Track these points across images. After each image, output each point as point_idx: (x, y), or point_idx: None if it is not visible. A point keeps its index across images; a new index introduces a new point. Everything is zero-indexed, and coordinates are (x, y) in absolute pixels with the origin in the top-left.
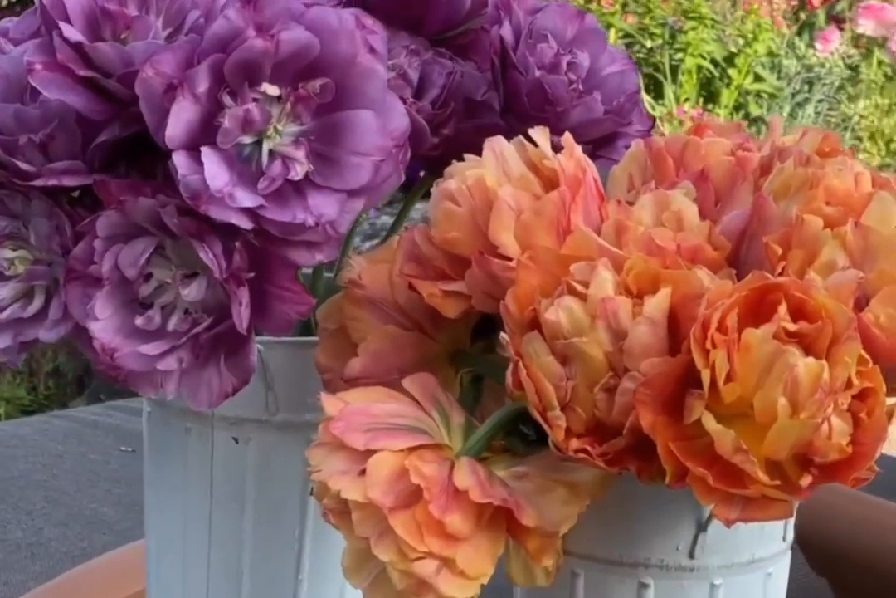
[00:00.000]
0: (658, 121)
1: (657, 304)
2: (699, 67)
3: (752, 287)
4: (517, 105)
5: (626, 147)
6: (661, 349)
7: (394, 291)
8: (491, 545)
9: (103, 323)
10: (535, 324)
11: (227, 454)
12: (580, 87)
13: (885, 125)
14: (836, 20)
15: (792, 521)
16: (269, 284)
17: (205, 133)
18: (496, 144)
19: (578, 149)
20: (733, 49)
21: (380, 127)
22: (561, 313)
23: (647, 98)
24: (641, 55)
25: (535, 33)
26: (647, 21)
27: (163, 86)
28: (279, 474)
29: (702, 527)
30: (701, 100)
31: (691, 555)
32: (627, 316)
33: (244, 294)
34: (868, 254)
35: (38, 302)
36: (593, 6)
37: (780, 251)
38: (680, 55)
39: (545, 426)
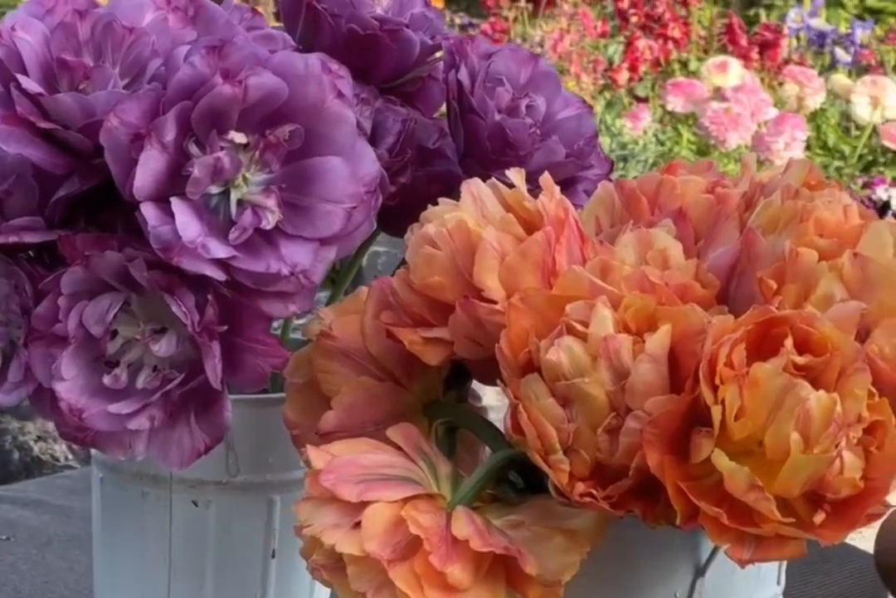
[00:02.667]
0: None
1: (659, 341)
2: None
3: (757, 321)
4: (477, 150)
5: (586, 191)
6: (663, 387)
7: (366, 341)
8: (491, 596)
9: (69, 383)
10: (530, 366)
11: (186, 518)
12: (538, 130)
13: None
14: (639, 99)
15: (785, 564)
16: (241, 338)
17: (172, 183)
18: (474, 187)
19: (557, 189)
20: None
21: (350, 173)
22: (562, 353)
23: None
24: None
25: (490, 77)
26: None
27: (129, 136)
28: (240, 536)
29: (700, 572)
30: None
31: None
32: (629, 354)
33: (217, 348)
34: (866, 285)
35: None
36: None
37: (774, 286)
38: None
39: (548, 471)
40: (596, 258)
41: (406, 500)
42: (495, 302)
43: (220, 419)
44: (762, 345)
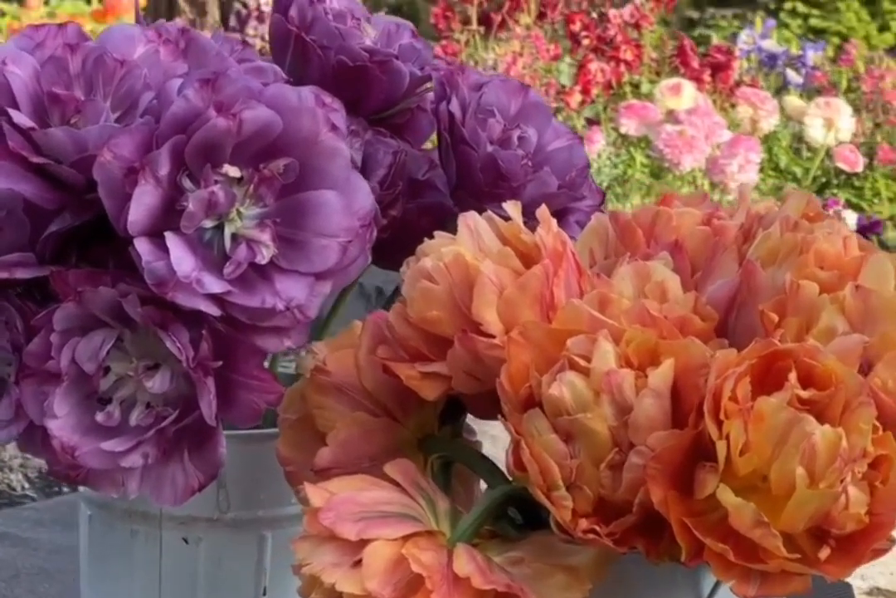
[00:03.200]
0: None
1: (662, 376)
2: None
3: (760, 354)
4: (470, 181)
5: (578, 222)
6: (665, 422)
7: (361, 376)
8: None
9: (62, 421)
10: (531, 401)
11: (176, 556)
12: (530, 162)
13: None
14: (592, 122)
15: None
16: (235, 373)
17: (166, 218)
18: (471, 220)
19: (554, 222)
20: None
21: (345, 207)
22: (564, 388)
23: None
24: None
25: (481, 108)
26: None
27: (122, 170)
28: (231, 573)
29: None
30: None
31: None
32: (631, 389)
33: (212, 384)
34: (868, 317)
35: None
36: None
37: (776, 319)
38: None
39: (550, 507)
40: (594, 291)
41: (406, 538)
42: (493, 336)
43: (214, 456)
44: (766, 379)
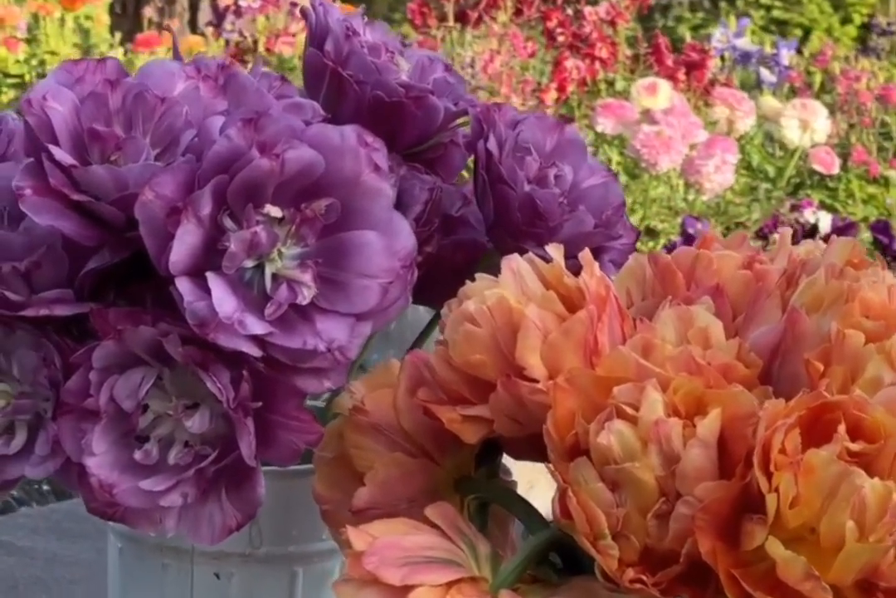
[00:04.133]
0: None
1: (710, 426)
2: None
3: (809, 406)
4: (507, 220)
5: (612, 261)
6: (713, 473)
7: (399, 416)
8: None
9: (100, 458)
10: (577, 449)
11: (207, 591)
12: (566, 200)
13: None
14: (566, 119)
15: None
16: (275, 413)
17: (207, 258)
18: (514, 263)
19: (597, 265)
20: None
21: (386, 247)
22: (612, 437)
23: None
24: None
25: (518, 146)
26: None
27: (164, 209)
28: None
29: None
30: None
31: None
32: (679, 439)
33: (252, 424)
34: None
35: (20, 438)
36: None
37: (821, 368)
38: None
39: (596, 556)
40: (637, 336)
41: (450, 584)
42: (537, 381)
43: (253, 496)
44: (814, 431)
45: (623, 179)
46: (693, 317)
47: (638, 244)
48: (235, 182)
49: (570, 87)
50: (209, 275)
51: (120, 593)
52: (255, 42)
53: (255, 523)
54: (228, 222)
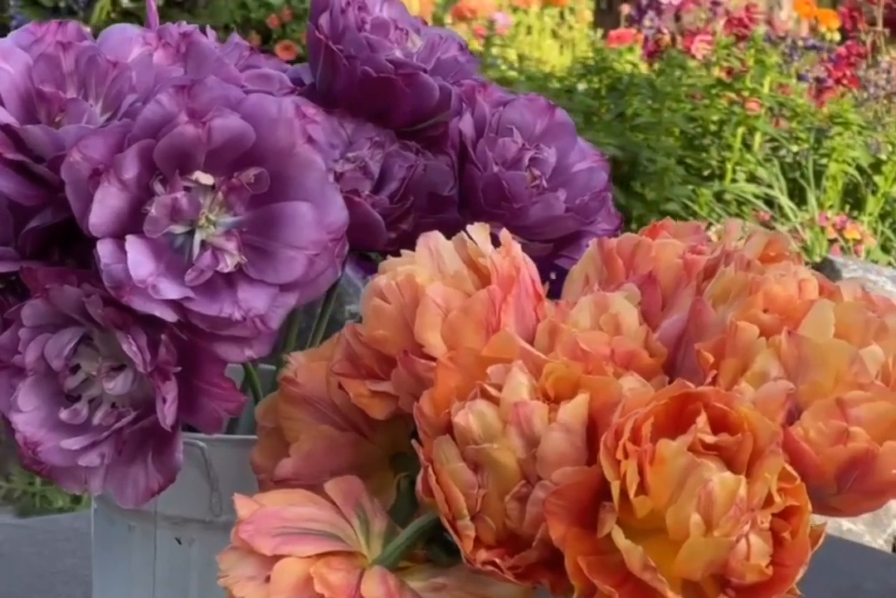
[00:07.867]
0: (799, 227)
1: (573, 410)
2: (844, 173)
3: (671, 396)
4: (473, 201)
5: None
6: (577, 458)
7: (330, 389)
8: None
9: (27, 416)
10: (450, 428)
11: (170, 554)
12: (544, 183)
13: None
14: None
15: None
16: (199, 380)
17: (134, 221)
18: (431, 241)
19: (517, 246)
20: (883, 156)
21: (316, 220)
22: (471, 417)
23: (789, 203)
24: (788, 160)
25: (500, 127)
26: (794, 125)
27: (89, 171)
28: None
29: None
30: (847, 207)
31: None
32: (542, 422)
33: (170, 389)
34: (802, 364)
35: None
36: (737, 109)
37: (711, 359)
38: (825, 161)
39: (454, 537)
40: (546, 320)
41: (320, 556)
42: (435, 359)
43: (172, 460)
44: (678, 421)
45: None
46: (608, 303)
47: None
48: (161, 147)
49: None
50: (129, 238)
51: (96, 553)
52: (673, 39)
53: (215, 490)
54: (159, 188)
